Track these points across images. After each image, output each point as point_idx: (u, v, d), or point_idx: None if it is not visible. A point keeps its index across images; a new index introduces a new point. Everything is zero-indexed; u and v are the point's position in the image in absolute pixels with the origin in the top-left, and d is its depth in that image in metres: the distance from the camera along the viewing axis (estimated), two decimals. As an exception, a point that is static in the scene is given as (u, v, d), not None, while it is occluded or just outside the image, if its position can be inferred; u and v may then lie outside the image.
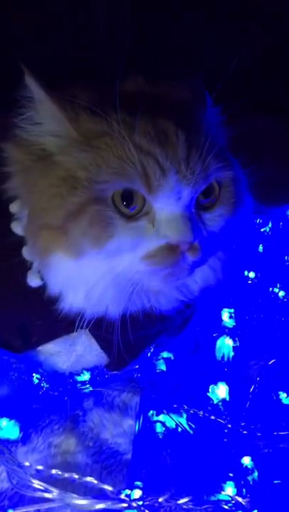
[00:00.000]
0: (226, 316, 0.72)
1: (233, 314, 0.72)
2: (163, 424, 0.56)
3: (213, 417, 0.56)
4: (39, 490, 0.48)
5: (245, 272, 0.79)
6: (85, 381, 0.64)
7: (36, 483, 0.48)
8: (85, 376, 0.64)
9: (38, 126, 0.54)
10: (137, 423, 0.57)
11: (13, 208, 0.60)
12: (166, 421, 0.57)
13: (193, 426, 0.56)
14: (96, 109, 0.51)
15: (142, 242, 0.51)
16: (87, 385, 0.64)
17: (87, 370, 0.64)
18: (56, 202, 0.52)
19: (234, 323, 0.72)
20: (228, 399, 0.60)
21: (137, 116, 0.51)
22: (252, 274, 0.79)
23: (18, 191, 0.58)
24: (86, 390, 0.64)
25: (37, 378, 0.63)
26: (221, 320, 0.72)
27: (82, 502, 0.47)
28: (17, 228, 0.60)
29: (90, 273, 0.54)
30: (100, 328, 0.57)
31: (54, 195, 0.52)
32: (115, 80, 0.51)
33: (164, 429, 0.56)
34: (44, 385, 0.63)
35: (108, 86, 0.53)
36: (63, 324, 0.59)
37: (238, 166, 0.60)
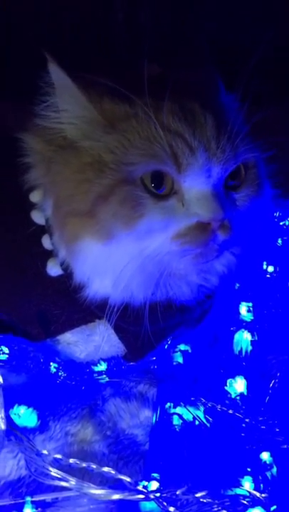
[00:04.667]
0: (244, 309, 0.72)
1: (251, 308, 0.72)
2: (180, 416, 0.56)
3: (231, 411, 0.55)
4: (57, 478, 0.48)
5: (264, 266, 0.78)
6: (102, 371, 0.64)
7: (54, 472, 0.49)
8: (102, 366, 0.64)
9: (62, 113, 0.54)
10: (154, 415, 0.57)
11: (34, 197, 0.59)
12: (184, 413, 0.57)
13: (210, 419, 0.56)
14: (122, 89, 0.51)
15: (173, 221, 0.51)
16: (104, 376, 0.64)
17: (104, 360, 0.64)
18: (84, 187, 0.52)
19: (252, 317, 0.71)
20: (246, 393, 0.60)
21: (165, 98, 0.50)
22: (271, 268, 0.78)
23: (40, 181, 0.57)
24: (102, 381, 0.64)
25: (54, 367, 0.63)
26: (239, 314, 0.71)
27: (99, 492, 0.47)
28: (37, 217, 0.60)
29: (119, 257, 0.53)
30: (120, 318, 0.57)
31: (81, 181, 0.52)
32: (140, 63, 0.50)
33: (181, 421, 0.56)
34: (61, 373, 0.63)
35: (129, 70, 0.53)
36: (82, 314, 0.59)
37: (258, 150, 0.60)
